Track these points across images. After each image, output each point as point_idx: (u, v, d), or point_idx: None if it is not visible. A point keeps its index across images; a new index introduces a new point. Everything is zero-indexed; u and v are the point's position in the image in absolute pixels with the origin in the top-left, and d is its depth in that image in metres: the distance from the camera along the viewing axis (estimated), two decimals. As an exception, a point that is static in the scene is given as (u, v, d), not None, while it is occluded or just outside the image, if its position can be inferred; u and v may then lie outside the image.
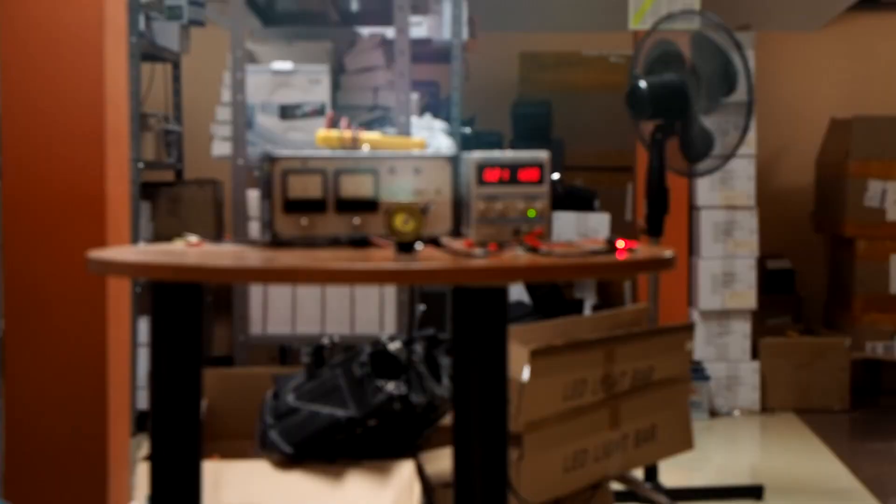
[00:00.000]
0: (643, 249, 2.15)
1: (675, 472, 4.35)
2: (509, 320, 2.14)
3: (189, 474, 2.14)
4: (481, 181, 2.13)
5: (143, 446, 2.55)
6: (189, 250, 2.17)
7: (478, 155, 2.15)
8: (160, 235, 5.50)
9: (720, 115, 4.25)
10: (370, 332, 4.28)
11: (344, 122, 2.56)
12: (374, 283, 3.28)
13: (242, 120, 4.34)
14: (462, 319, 2.11)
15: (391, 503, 2.67)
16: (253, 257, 2.05)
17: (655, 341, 3.34)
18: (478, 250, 2.02)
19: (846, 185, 6.38)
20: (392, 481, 2.70)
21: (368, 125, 4.52)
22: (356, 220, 2.18)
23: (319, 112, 4.57)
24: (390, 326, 4.37)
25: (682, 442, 3.45)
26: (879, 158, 6.36)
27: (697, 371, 5.75)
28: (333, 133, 2.49)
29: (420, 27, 5.31)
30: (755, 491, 4.43)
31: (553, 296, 5.61)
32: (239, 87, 4.32)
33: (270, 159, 2.18)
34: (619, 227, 5.88)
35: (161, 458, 2.12)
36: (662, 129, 4.21)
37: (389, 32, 4.78)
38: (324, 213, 2.18)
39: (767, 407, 6.03)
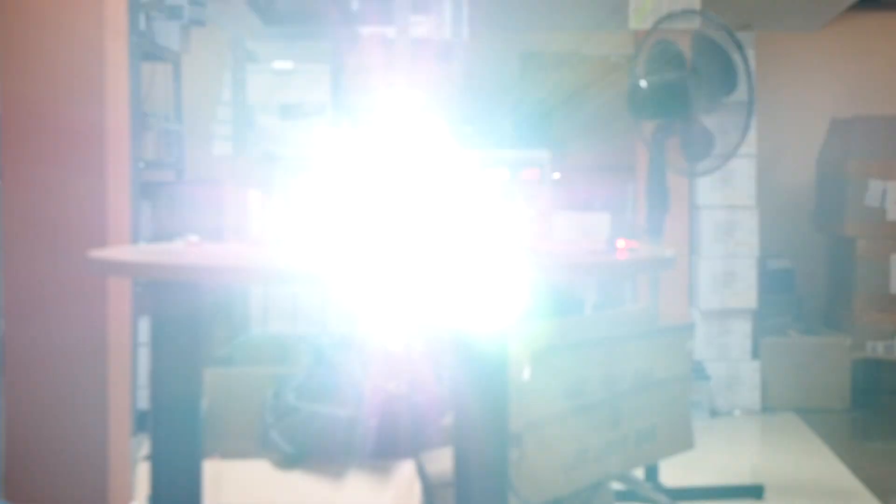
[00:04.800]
0: (643, 249, 2.14)
1: (675, 472, 4.35)
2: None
3: (189, 474, 2.14)
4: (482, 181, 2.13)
5: (143, 446, 2.55)
6: (189, 250, 2.17)
7: (478, 155, 2.15)
8: (160, 235, 5.49)
9: (720, 114, 4.24)
10: (370, 332, 4.27)
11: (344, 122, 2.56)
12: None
13: (242, 119, 4.34)
14: (461, 319, 2.11)
15: (391, 503, 2.67)
16: (253, 257, 2.05)
17: (655, 341, 3.34)
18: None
19: (846, 185, 6.38)
20: (392, 481, 2.70)
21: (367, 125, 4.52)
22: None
23: (319, 112, 4.57)
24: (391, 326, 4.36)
25: (682, 442, 3.45)
26: (879, 158, 6.36)
27: (697, 371, 5.75)
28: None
29: (420, 27, 5.31)
30: (755, 491, 4.43)
31: (553, 296, 5.60)
32: (239, 86, 4.33)
33: (271, 159, 2.18)
34: (619, 227, 5.88)
35: (161, 458, 2.12)
36: (662, 129, 4.20)
37: (389, 32, 4.77)
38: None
39: (768, 407, 6.03)
